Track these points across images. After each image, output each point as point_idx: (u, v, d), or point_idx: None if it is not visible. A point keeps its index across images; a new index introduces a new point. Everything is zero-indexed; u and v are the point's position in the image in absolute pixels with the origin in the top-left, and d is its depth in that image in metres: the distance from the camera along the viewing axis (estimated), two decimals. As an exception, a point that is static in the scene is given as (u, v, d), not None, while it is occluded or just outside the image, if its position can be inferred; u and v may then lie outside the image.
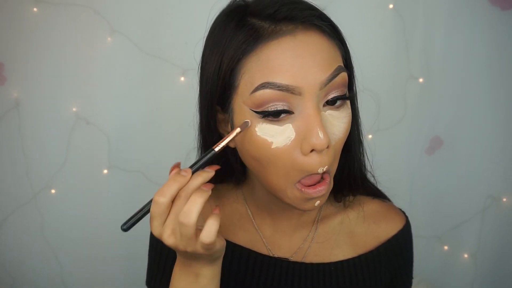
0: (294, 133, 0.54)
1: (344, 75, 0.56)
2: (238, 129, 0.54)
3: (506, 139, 1.40)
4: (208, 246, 0.52)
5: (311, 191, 0.56)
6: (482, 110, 1.40)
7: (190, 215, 0.50)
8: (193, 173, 0.53)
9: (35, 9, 1.30)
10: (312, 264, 0.69)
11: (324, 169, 0.56)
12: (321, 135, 0.53)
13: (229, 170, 0.68)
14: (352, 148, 0.66)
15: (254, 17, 0.55)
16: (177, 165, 0.54)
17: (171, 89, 1.37)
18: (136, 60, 1.34)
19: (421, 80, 1.39)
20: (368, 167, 0.71)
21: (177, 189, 0.51)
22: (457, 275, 1.48)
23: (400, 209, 0.76)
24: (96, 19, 1.31)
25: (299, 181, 0.57)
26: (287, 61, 0.53)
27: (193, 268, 0.57)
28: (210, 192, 0.52)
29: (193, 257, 0.55)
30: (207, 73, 0.58)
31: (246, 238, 0.71)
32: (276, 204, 0.68)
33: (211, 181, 0.54)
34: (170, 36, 1.34)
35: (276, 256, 0.70)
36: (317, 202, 0.58)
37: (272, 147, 0.54)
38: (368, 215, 0.72)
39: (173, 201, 0.52)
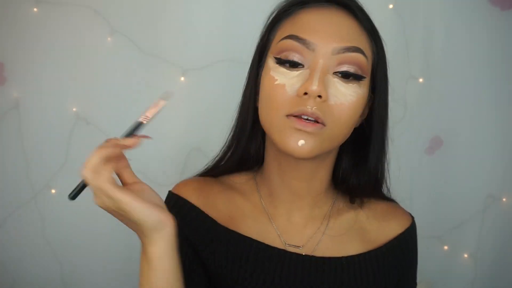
0: (299, 80, 0.62)
1: (360, 57, 0.63)
2: (162, 102, 0.59)
3: (506, 139, 1.40)
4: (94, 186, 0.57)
5: (296, 121, 0.61)
6: (482, 110, 1.39)
7: (89, 159, 0.55)
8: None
9: (35, 9, 1.30)
10: (323, 258, 0.70)
11: (313, 109, 0.60)
12: (315, 82, 0.59)
13: (244, 160, 0.73)
14: (373, 150, 0.71)
15: None
16: None
17: (171, 89, 1.37)
18: (136, 60, 1.34)
19: (421, 80, 1.39)
20: (388, 184, 0.75)
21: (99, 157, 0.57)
22: (457, 275, 1.48)
23: (406, 210, 0.81)
24: (96, 19, 1.31)
25: (289, 115, 0.62)
26: (313, 22, 0.64)
27: (143, 248, 0.58)
28: (116, 149, 0.58)
29: (132, 226, 0.59)
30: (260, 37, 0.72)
31: (258, 230, 0.72)
32: (287, 188, 0.70)
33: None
34: (170, 36, 1.34)
35: (288, 244, 0.71)
36: (301, 142, 0.60)
37: (275, 83, 0.63)
38: (378, 213, 0.76)
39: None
